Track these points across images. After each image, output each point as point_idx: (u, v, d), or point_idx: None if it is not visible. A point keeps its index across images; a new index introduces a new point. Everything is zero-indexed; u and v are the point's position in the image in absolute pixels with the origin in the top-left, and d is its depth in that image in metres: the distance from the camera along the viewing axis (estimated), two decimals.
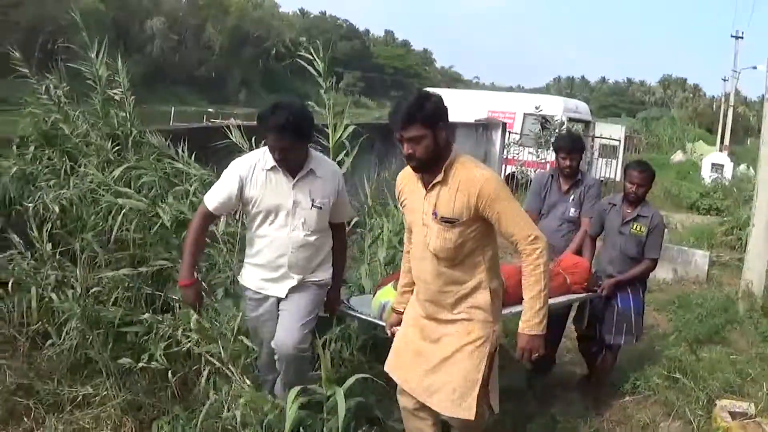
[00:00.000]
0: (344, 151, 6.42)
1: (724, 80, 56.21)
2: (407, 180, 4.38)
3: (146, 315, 5.15)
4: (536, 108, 19.40)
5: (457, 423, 4.36)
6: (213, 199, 4.71)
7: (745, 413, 6.05)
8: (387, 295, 5.09)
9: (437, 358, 4.26)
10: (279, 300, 4.84)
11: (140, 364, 5.16)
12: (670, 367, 7.10)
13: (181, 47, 78.24)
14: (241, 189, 4.64)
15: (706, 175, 26.47)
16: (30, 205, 5.86)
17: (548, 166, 17.38)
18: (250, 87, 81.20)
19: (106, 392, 5.17)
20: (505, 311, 4.79)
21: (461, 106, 19.80)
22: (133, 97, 7.30)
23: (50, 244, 5.68)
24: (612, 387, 6.90)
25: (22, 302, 5.44)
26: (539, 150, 18.31)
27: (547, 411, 6.34)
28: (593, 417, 6.25)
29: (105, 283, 5.67)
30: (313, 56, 6.46)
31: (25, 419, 4.97)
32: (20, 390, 5.16)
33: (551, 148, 17.83)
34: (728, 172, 26.42)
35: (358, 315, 5.34)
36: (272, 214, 4.70)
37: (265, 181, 4.67)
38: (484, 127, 18.49)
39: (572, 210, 7.17)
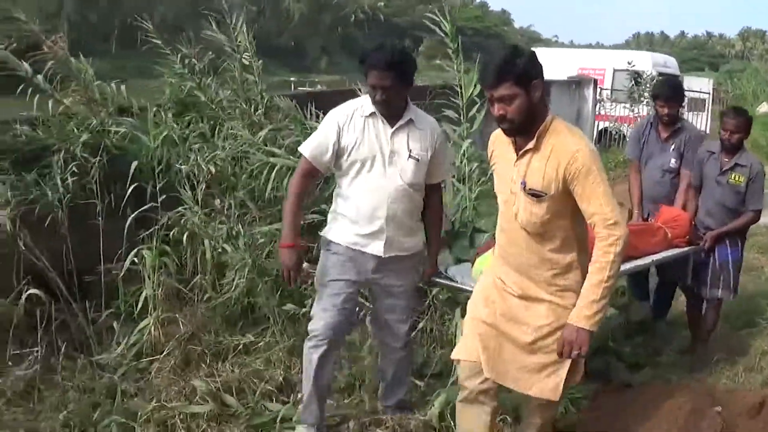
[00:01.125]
0: (476, 106, 6.59)
1: None
2: (499, 142, 4.03)
3: (305, 264, 5.33)
4: (629, 63, 19.38)
5: (537, 404, 4.16)
6: (309, 146, 4.50)
7: None
8: (486, 263, 4.68)
9: (525, 340, 3.94)
10: (371, 273, 4.60)
11: (303, 310, 5.53)
12: None
13: (261, 17, 78.55)
14: (338, 136, 4.41)
15: None
16: (183, 167, 6.18)
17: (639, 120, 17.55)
18: (330, 54, 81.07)
19: (269, 339, 5.55)
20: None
21: (552, 65, 19.95)
22: (260, 61, 7.65)
23: (217, 200, 6.06)
24: (727, 323, 7.19)
25: (195, 254, 5.84)
26: (633, 105, 18.36)
27: (674, 345, 6.71)
28: (713, 349, 6.52)
29: (260, 238, 6.00)
30: (438, 17, 6.55)
31: (203, 365, 5.36)
32: (194, 338, 5.54)
33: (644, 102, 18.14)
34: None
35: (459, 285, 5.03)
36: (368, 163, 4.44)
37: (363, 127, 4.44)
38: (577, 84, 18.65)
39: (673, 161, 6.81)
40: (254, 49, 7.62)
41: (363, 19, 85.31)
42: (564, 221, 3.80)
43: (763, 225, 11.65)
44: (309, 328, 4.65)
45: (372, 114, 4.44)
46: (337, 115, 4.50)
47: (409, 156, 4.46)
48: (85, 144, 6.18)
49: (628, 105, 18.23)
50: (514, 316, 3.97)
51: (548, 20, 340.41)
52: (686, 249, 6.25)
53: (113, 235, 5.98)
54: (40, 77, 6.48)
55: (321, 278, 4.66)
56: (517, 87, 3.59)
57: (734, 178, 6.30)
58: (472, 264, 5.08)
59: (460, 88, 6.48)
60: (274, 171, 6.18)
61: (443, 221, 5.09)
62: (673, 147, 6.81)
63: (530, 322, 3.91)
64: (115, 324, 5.64)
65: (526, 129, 3.73)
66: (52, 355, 5.29)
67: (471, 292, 4.72)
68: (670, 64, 24.42)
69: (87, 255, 5.97)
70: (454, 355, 4.23)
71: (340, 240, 4.56)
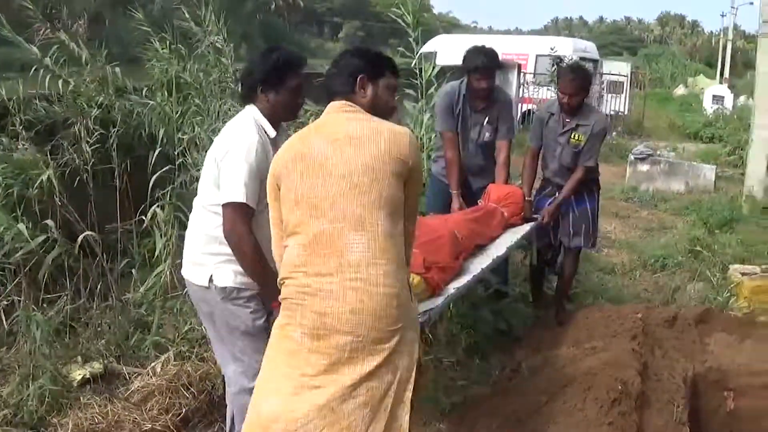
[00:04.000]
0: (434, 86, 7.72)
1: (723, 16, 56.98)
2: None
3: None
4: (551, 49, 20.57)
5: None
6: (249, 191, 3.69)
7: (754, 273, 7.55)
8: None
9: None
10: None
11: None
12: (692, 243, 9.07)
13: (180, 6, 77.40)
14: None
15: (708, 106, 28.19)
16: (185, 137, 7.02)
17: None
18: (250, 41, 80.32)
19: None
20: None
21: None
22: (231, 44, 8.43)
23: None
24: (646, 267, 8.65)
25: None
26: (555, 88, 19.59)
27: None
28: (631, 285, 7.91)
29: None
30: (402, 10, 7.58)
31: None
32: None
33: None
34: (729, 103, 28.14)
35: None
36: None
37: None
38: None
39: (487, 134, 6.43)
40: (225, 35, 8.33)
41: (283, 6, 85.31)
42: None
43: (675, 191, 13.28)
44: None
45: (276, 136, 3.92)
46: (258, 141, 3.80)
47: None
48: (96, 118, 6.87)
49: (551, 88, 19.45)
50: None
51: (467, 6, 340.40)
52: (528, 228, 6.09)
53: (129, 195, 6.87)
54: (48, 59, 7.06)
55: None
56: None
57: (575, 137, 6.21)
58: None
59: (420, 71, 7.54)
60: None
61: None
62: (487, 119, 6.39)
63: None
64: (133, 271, 6.34)
65: None
66: (78, 298, 5.98)
67: None
68: (589, 49, 25.97)
69: (105, 213, 6.75)
70: None
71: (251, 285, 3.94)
